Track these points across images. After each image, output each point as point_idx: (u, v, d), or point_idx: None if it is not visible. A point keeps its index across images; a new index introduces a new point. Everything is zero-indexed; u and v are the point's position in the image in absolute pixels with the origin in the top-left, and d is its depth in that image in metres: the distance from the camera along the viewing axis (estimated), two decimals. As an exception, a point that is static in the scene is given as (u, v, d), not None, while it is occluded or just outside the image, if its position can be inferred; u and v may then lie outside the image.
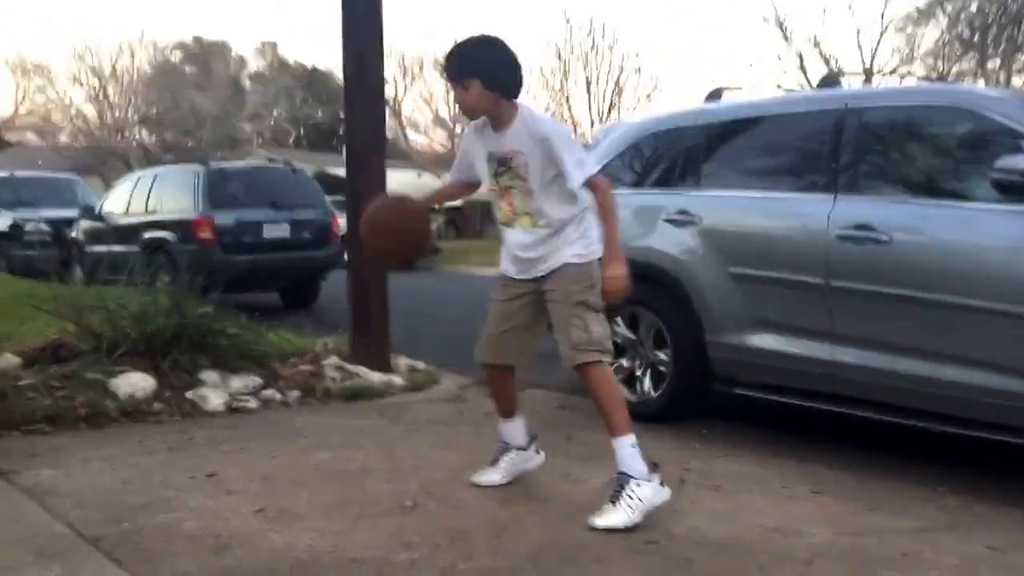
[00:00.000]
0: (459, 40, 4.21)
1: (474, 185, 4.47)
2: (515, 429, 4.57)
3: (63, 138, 35.94)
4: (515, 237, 4.21)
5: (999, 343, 4.64)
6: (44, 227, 16.74)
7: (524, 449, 4.59)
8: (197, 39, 46.99)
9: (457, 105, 4.31)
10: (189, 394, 6.18)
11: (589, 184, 4.05)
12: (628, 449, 4.03)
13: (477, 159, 4.27)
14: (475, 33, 4.24)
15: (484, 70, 4.06)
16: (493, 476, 4.56)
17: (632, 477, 3.98)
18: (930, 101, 5.38)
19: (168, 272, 11.27)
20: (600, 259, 4.13)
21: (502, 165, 4.14)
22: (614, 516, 3.93)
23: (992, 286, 4.65)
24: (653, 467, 4.08)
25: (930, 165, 5.40)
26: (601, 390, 4.09)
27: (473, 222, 37.28)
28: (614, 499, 3.96)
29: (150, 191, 13.76)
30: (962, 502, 4.41)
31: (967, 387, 4.74)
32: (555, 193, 4.09)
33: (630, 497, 3.95)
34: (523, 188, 4.11)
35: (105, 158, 33.79)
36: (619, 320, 6.31)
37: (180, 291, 7.06)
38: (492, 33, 4.22)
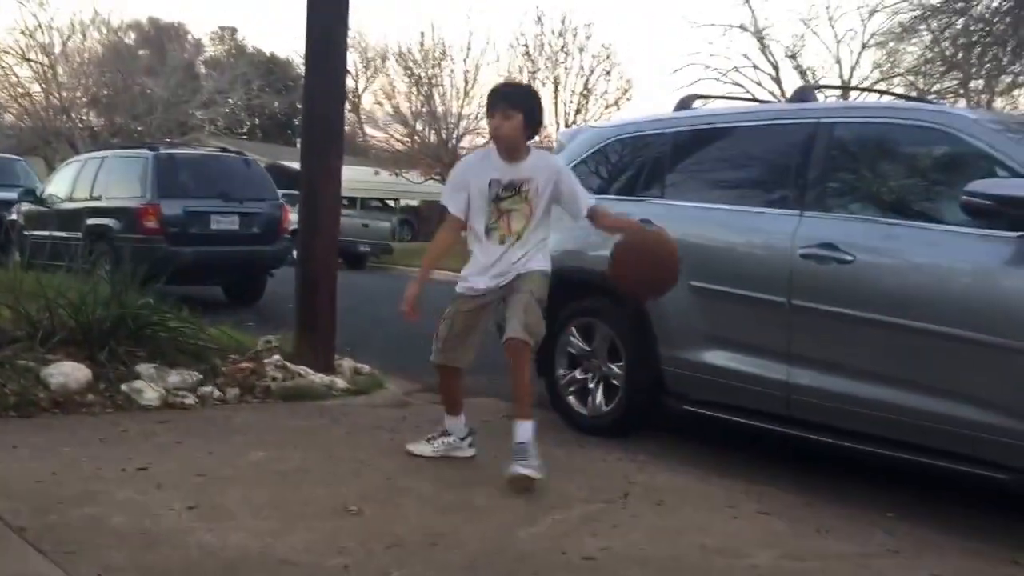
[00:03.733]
0: (504, 82, 5.02)
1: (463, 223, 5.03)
2: (459, 423, 5.21)
3: (7, 117, 35.24)
4: (503, 252, 4.87)
5: (959, 371, 4.55)
6: None
7: (461, 439, 5.20)
8: (152, 20, 46.51)
9: (493, 131, 4.91)
10: (124, 387, 6.05)
11: (590, 213, 4.97)
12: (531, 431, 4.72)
13: (475, 183, 4.90)
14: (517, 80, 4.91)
15: (527, 107, 4.85)
16: (425, 448, 5.16)
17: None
18: (903, 119, 5.26)
19: (110, 261, 11.08)
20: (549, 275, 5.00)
21: (508, 190, 4.85)
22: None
23: (956, 311, 4.56)
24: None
25: (899, 184, 5.32)
26: (523, 372, 4.75)
27: (430, 222, 36.99)
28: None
29: (96, 176, 13.46)
30: (911, 529, 4.37)
31: (926, 415, 4.64)
32: (544, 219, 4.92)
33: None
34: (525, 212, 4.87)
35: (50, 139, 33.27)
36: (574, 331, 6.23)
37: (121, 281, 6.94)
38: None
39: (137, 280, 6.97)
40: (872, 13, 21.69)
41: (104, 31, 35.80)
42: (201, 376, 6.41)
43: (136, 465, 4.66)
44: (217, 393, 6.31)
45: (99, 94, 34.53)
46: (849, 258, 4.94)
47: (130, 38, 39.86)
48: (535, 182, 4.85)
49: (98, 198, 13.03)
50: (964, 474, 4.59)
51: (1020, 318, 4.38)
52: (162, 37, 42.43)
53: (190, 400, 6.13)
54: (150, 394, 6.02)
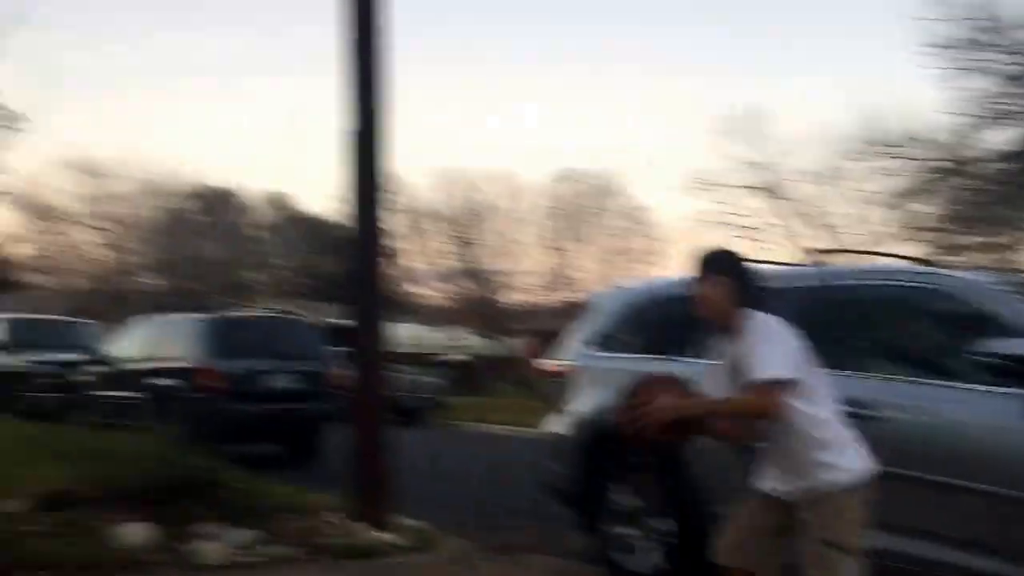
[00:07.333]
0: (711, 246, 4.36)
1: None
2: None
3: (75, 280, 36.14)
4: (773, 448, 3.96)
5: (981, 523, 4.66)
6: (51, 369, 16.75)
7: None
8: (207, 186, 47.95)
9: (697, 303, 4.15)
10: (188, 546, 6.14)
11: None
12: None
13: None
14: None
15: (734, 271, 4.11)
16: None
17: None
18: (905, 282, 5.57)
19: (171, 419, 11.28)
20: (858, 487, 3.78)
21: (736, 375, 3.93)
22: None
23: (977, 466, 4.70)
24: None
25: (907, 344, 5.58)
26: None
27: (478, 377, 36.97)
28: None
29: (156, 337, 13.93)
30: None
31: (949, 567, 4.76)
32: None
33: None
34: None
35: (112, 302, 34.01)
36: (623, 488, 6.26)
37: (182, 440, 7.08)
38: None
39: (199, 439, 7.11)
40: (889, 176, 22.14)
41: (164, 199, 36.97)
42: (263, 534, 6.48)
43: (202, 624, 4.72)
44: (278, 551, 6.37)
45: (160, 257, 35.42)
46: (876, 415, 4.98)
47: (187, 204, 40.95)
48: None
49: (159, 358, 13.37)
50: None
51: None
52: (216, 202, 43.54)
53: (252, 559, 6.20)
54: (213, 553, 6.10)
